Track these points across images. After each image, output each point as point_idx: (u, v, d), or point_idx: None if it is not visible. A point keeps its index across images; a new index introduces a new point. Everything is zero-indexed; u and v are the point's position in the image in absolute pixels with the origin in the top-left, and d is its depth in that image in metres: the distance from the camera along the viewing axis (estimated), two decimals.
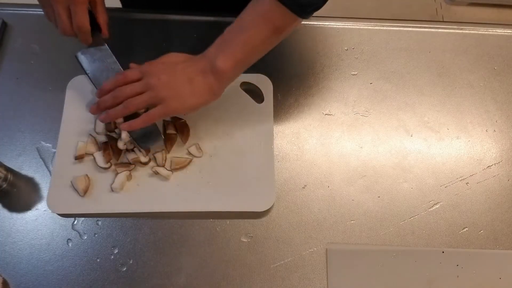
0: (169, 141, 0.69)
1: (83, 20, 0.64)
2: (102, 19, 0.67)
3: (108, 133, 0.69)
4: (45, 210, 0.66)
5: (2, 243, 0.64)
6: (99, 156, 0.67)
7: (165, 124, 0.70)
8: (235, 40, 0.61)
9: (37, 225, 0.65)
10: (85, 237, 0.65)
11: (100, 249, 0.64)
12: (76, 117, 0.71)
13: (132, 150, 0.68)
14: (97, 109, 0.65)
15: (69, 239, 0.65)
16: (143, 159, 0.67)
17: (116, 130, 0.69)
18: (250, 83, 0.74)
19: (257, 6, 0.60)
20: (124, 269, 0.64)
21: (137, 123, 0.63)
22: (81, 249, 0.64)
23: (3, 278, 0.62)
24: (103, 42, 0.70)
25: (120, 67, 0.69)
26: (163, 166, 0.68)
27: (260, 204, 0.66)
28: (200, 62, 0.63)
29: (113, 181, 0.66)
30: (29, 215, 0.66)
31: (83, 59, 0.70)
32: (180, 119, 0.71)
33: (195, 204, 0.66)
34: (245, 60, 0.62)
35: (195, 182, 0.67)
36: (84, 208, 0.65)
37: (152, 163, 0.68)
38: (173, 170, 0.68)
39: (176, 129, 0.70)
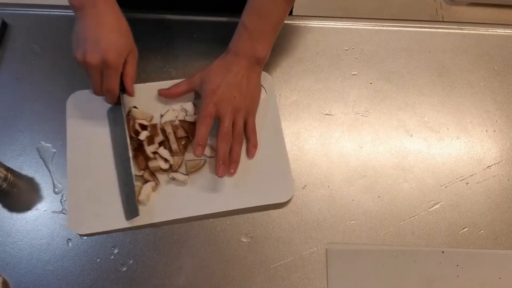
0: (182, 144, 0.69)
1: (113, 84, 0.65)
2: (129, 80, 0.67)
3: (135, 137, 0.68)
4: (45, 210, 0.66)
5: (2, 243, 0.64)
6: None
7: (174, 130, 0.69)
8: (264, 27, 0.66)
9: (37, 225, 0.65)
10: (85, 237, 0.65)
11: (100, 249, 0.64)
12: (82, 132, 0.69)
13: (154, 158, 0.67)
14: (222, 171, 0.65)
15: (69, 239, 0.65)
16: (164, 165, 0.66)
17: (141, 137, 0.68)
18: None
19: None
20: (124, 269, 0.64)
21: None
22: (81, 249, 0.64)
23: (3, 278, 0.62)
24: (121, 101, 0.69)
25: (126, 129, 0.68)
26: (178, 171, 0.67)
27: (281, 195, 0.67)
28: (240, 61, 0.68)
29: (139, 193, 0.65)
30: (29, 215, 0.66)
31: (109, 117, 0.71)
32: (188, 121, 0.70)
33: (219, 204, 0.66)
34: (275, 38, 0.69)
35: (213, 183, 0.67)
36: (111, 225, 0.64)
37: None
38: (189, 173, 0.67)
39: (186, 131, 0.70)
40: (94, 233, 0.65)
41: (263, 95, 0.73)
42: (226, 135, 0.65)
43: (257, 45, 0.67)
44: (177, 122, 0.70)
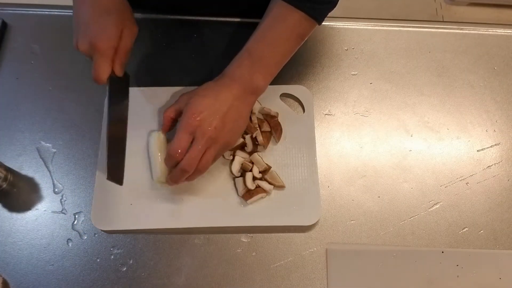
0: (265, 138, 0.68)
1: (99, 72, 0.59)
2: (118, 57, 0.60)
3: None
4: (45, 210, 0.66)
5: (2, 243, 0.64)
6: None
7: (259, 123, 0.69)
8: (268, 58, 0.62)
9: (37, 225, 0.65)
10: (85, 237, 0.65)
11: (100, 249, 0.64)
12: None
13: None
14: (174, 182, 0.62)
15: (69, 239, 0.65)
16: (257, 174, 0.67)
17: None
18: (290, 94, 0.74)
19: (283, 20, 0.61)
20: (124, 269, 0.64)
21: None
22: (81, 249, 0.64)
23: (3, 278, 0.62)
24: (125, 80, 0.64)
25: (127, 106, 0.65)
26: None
27: (306, 218, 0.66)
28: (234, 87, 0.61)
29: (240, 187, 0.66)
30: (29, 215, 0.66)
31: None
32: (274, 117, 0.70)
33: (244, 219, 0.65)
34: (278, 72, 0.65)
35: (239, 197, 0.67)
36: (133, 225, 0.64)
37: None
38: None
39: (270, 127, 0.70)
40: (115, 230, 0.65)
41: (299, 113, 0.73)
42: (189, 165, 0.59)
43: (257, 74, 0.62)
44: (261, 116, 0.71)
